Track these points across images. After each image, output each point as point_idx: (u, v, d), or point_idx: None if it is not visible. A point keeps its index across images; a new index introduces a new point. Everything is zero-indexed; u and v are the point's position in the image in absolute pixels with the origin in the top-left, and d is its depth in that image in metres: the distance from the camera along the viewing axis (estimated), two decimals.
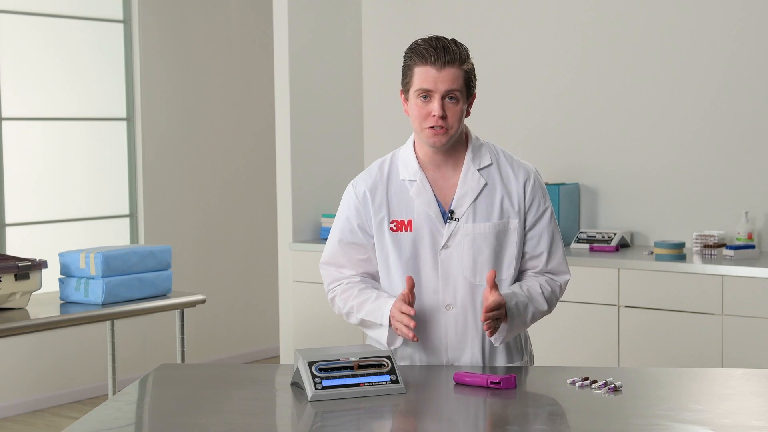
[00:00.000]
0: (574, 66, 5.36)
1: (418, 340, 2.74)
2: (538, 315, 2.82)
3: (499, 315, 2.68)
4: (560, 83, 5.41)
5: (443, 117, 2.72)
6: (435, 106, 2.71)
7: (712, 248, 4.72)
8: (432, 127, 2.73)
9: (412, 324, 2.67)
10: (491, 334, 2.70)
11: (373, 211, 2.84)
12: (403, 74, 2.80)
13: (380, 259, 2.85)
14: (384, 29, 5.94)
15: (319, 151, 5.84)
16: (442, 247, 2.79)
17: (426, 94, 2.72)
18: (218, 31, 6.97)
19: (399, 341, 2.79)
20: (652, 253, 4.86)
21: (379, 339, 2.81)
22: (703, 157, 5.03)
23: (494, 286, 2.67)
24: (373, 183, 2.86)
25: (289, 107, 5.70)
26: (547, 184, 5.22)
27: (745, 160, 4.93)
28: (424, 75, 2.72)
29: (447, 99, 2.72)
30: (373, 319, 2.78)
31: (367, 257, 2.87)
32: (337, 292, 2.88)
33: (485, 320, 2.65)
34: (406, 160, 2.86)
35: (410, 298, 2.69)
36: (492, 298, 2.66)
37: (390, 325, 2.75)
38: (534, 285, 2.83)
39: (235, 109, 7.09)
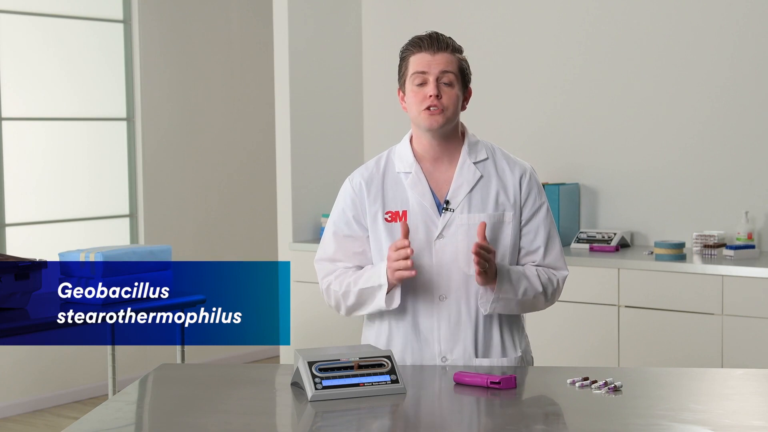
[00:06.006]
0: (575, 67, 5.36)
1: (416, 274, 2.73)
2: (530, 293, 2.80)
3: (487, 257, 2.69)
4: (561, 84, 5.41)
5: (438, 97, 2.77)
6: (430, 87, 2.78)
7: (712, 248, 4.72)
8: (428, 108, 2.78)
9: (409, 252, 2.68)
10: (479, 271, 2.69)
11: (368, 202, 2.86)
12: (399, 71, 2.87)
13: (374, 251, 2.86)
14: (384, 29, 5.94)
15: (319, 151, 5.84)
16: (437, 237, 2.81)
17: (422, 80, 2.79)
18: (218, 31, 6.97)
19: (397, 300, 2.78)
20: (652, 253, 4.86)
21: (377, 307, 2.79)
22: (703, 157, 5.03)
23: (484, 238, 2.69)
24: (369, 175, 2.89)
25: (289, 107, 5.70)
26: (547, 184, 5.22)
27: (745, 160, 4.93)
28: (418, 60, 2.80)
29: (442, 83, 2.78)
30: (371, 284, 2.78)
31: (362, 250, 2.88)
32: (331, 279, 2.88)
33: (475, 252, 2.66)
34: (401, 154, 2.89)
35: (405, 242, 2.70)
36: (481, 242, 2.68)
37: (388, 288, 2.75)
38: (530, 267, 2.85)
39: (235, 109, 7.09)
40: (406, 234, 2.71)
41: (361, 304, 2.83)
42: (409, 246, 2.69)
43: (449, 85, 2.79)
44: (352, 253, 2.88)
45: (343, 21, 5.96)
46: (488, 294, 2.77)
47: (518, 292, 2.78)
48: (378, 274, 2.77)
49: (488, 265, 2.71)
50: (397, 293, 2.79)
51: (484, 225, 2.71)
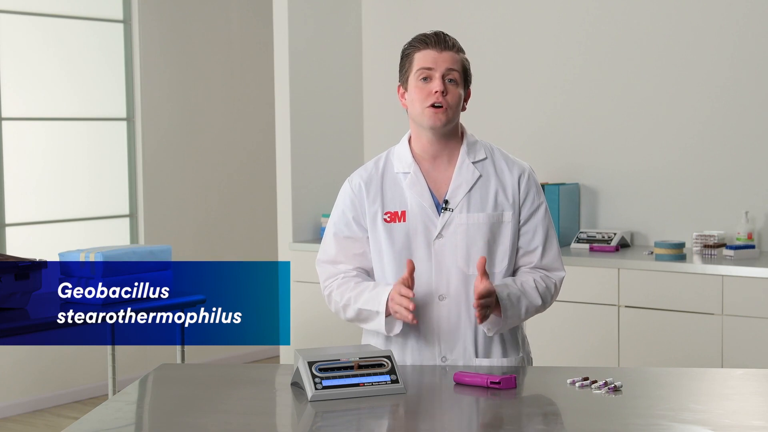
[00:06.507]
0: (575, 67, 5.36)
1: (417, 323, 2.74)
2: (531, 309, 2.81)
3: (489, 303, 2.68)
4: (561, 84, 5.41)
5: (444, 93, 2.77)
6: (436, 83, 2.77)
7: (712, 248, 4.72)
8: (433, 105, 2.77)
9: (411, 306, 2.67)
10: (481, 321, 2.70)
11: (367, 203, 2.86)
12: (401, 66, 2.86)
13: (374, 251, 2.86)
14: (384, 29, 5.94)
15: (319, 151, 5.84)
16: (436, 237, 2.81)
17: (426, 75, 2.78)
18: (218, 31, 6.97)
19: (398, 327, 2.79)
20: (652, 253, 4.86)
21: (376, 329, 2.80)
22: (703, 157, 5.03)
23: (484, 273, 2.68)
24: (368, 176, 2.89)
25: (289, 107, 5.70)
26: (547, 184, 5.22)
27: (745, 160, 4.93)
28: (424, 57, 2.80)
29: (447, 81, 2.78)
30: (370, 308, 2.78)
31: (363, 252, 2.88)
32: (333, 287, 2.88)
33: (477, 306, 2.66)
34: (400, 154, 2.89)
35: (410, 282, 2.70)
36: (482, 285, 2.67)
37: (387, 314, 2.75)
38: (528, 280, 2.83)
39: (235, 109, 7.09)
40: (411, 271, 2.70)
41: (361, 321, 2.84)
42: (413, 296, 2.68)
43: (454, 83, 2.79)
44: (352, 254, 2.88)
45: (343, 21, 5.96)
46: (494, 321, 2.77)
47: (521, 314, 2.80)
48: (378, 300, 2.77)
49: (490, 308, 2.71)
50: (398, 322, 2.79)
51: (484, 260, 2.69)
